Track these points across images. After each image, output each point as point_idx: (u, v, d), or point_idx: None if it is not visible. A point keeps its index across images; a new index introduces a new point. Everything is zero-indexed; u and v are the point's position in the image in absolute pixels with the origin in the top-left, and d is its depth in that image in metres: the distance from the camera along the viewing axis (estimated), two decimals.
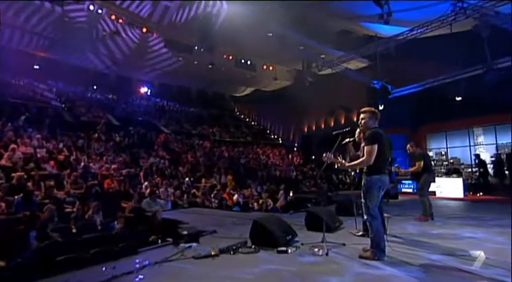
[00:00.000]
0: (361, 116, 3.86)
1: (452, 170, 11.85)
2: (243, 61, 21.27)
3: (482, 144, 13.06)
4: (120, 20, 14.98)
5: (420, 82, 13.74)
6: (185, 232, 4.62)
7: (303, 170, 17.60)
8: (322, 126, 23.21)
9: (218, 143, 18.50)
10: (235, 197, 9.51)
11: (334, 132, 5.88)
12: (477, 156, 11.95)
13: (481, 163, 11.36)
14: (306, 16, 13.92)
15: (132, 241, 4.56)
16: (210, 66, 19.14)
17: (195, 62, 19.66)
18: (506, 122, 12.06)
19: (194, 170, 12.64)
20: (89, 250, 3.82)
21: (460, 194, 10.46)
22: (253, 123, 28.23)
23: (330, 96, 19.63)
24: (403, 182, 11.88)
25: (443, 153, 14.04)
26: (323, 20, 15.19)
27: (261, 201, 9.45)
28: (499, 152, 12.24)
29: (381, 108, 15.11)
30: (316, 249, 3.78)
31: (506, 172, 11.14)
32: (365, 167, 3.53)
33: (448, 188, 10.77)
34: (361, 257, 3.55)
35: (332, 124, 22.26)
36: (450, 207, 8.33)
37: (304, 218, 5.41)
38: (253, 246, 4.18)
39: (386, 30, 13.87)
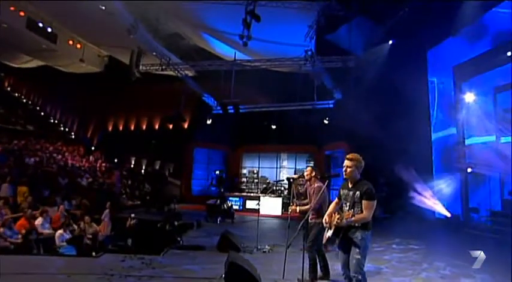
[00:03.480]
0: (347, 163, 3.43)
1: (269, 190, 13.36)
2: (41, 25, 15.60)
3: (286, 167, 15.71)
4: None
5: (247, 105, 14.81)
6: None
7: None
8: (132, 127, 20.60)
9: None
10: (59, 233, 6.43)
11: (287, 177, 5.10)
12: (288, 179, 14.16)
13: (290, 184, 13.51)
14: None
15: None
16: None
17: None
18: (304, 151, 15.38)
19: None
20: None
21: (278, 211, 11.79)
22: (37, 107, 21.30)
23: (150, 98, 17.92)
24: (230, 199, 12.13)
25: (255, 171, 15.82)
26: (167, 16, 13.61)
27: (81, 226, 6.88)
28: (296, 174, 15.04)
29: (208, 122, 15.26)
30: None
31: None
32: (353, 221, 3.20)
33: (268, 206, 11.91)
34: None
35: (144, 127, 20.21)
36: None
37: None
38: None
39: (225, 51, 14.16)
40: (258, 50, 13.38)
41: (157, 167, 19.03)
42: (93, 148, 20.33)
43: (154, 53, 15.48)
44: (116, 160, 18.74)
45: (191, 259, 5.42)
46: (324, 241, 3.63)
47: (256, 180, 15.74)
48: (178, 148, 16.85)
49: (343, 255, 3.42)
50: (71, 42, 17.32)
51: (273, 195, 12.96)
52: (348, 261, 3.39)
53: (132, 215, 8.06)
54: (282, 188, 14.70)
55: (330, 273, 4.65)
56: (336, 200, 3.66)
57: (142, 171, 18.08)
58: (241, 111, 14.81)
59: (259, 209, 9.89)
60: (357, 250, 3.21)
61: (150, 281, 4.18)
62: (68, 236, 7.23)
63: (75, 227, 7.55)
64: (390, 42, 10.57)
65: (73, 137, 20.61)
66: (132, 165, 18.72)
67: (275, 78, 14.47)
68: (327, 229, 3.60)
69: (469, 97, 9.47)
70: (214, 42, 14.32)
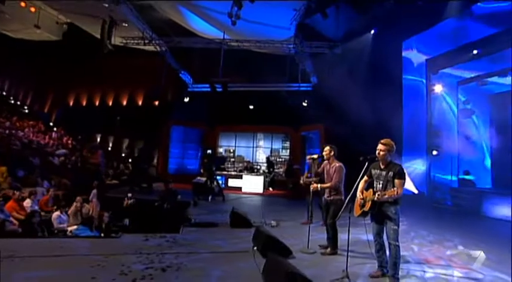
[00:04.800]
0: (381, 147, 3.98)
1: (249, 168, 13.78)
2: None
3: (262, 147, 16.18)
4: None
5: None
6: None
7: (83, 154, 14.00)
8: (97, 103, 19.38)
9: None
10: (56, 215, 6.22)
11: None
12: (267, 158, 14.69)
13: (270, 164, 14.07)
14: None
15: None
16: None
17: None
18: (280, 132, 15.94)
19: None
20: None
21: (260, 189, 12.32)
22: None
23: (118, 73, 16.95)
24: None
25: (231, 150, 16.07)
26: None
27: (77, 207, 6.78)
28: (272, 154, 15.63)
29: (186, 100, 15.04)
30: None
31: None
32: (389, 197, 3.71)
33: (250, 185, 12.38)
34: None
35: (110, 103, 19.13)
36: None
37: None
38: None
39: (204, 28, 13.83)
40: (240, 30, 13.30)
41: (125, 145, 18.37)
42: (51, 124, 18.80)
43: (125, 25, 14.57)
44: (79, 137, 17.66)
45: (211, 235, 5.71)
46: (356, 214, 4.17)
47: (232, 160, 16.03)
48: (150, 126, 16.38)
49: (376, 226, 4.02)
50: (23, 4, 15.45)
51: (253, 173, 13.42)
52: (380, 231, 4.00)
53: (129, 195, 7.97)
54: (260, 167, 15.29)
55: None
56: (366, 178, 4.19)
57: (124, 150, 17.41)
58: (219, 90, 14.78)
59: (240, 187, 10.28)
60: (393, 222, 3.81)
61: (188, 257, 4.41)
62: (64, 217, 7.01)
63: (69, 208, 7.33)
64: (372, 31, 11.26)
65: (27, 111, 18.79)
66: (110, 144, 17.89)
67: (254, 58, 14.60)
68: (360, 204, 4.13)
69: (438, 88, 10.65)
70: (193, 18, 13.86)
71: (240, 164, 15.51)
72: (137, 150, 17.27)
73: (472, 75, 10.20)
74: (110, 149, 17.92)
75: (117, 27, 13.92)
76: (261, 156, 16.22)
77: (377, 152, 4.02)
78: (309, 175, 7.13)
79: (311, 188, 5.26)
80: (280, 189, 13.19)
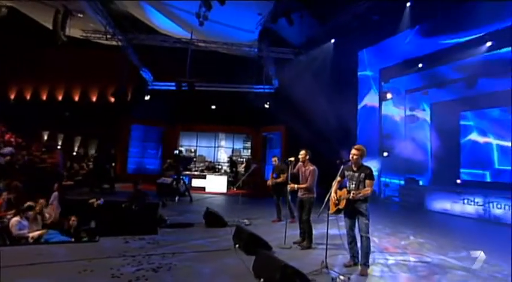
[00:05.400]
0: (354, 152, 4.55)
1: (211, 168, 13.90)
2: None
3: (223, 147, 16.36)
4: None
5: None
6: None
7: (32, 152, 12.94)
8: (44, 97, 17.87)
9: None
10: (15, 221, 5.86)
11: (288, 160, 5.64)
12: (230, 158, 14.89)
13: (233, 164, 14.32)
14: None
15: None
16: None
17: None
18: (241, 132, 16.27)
19: None
20: None
21: (224, 189, 12.55)
22: None
23: (71, 66, 15.92)
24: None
25: (192, 150, 15.98)
26: None
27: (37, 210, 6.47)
28: (233, 154, 15.90)
29: (147, 98, 14.68)
30: (341, 277, 3.87)
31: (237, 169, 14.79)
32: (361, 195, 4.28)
33: (214, 185, 12.56)
34: (363, 274, 4.14)
35: (60, 98, 17.79)
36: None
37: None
38: None
39: (166, 26, 13.64)
40: (205, 30, 13.35)
41: (77, 144, 17.25)
42: None
43: (80, 15, 13.77)
44: (23, 134, 16.14)
45: (189, 235, 5.84)
46: (331, 211, 4.66)
47: (194, 159, 15.96)
48: (105, 123, 15.63)
49: (349, 221, 4.54)
50: None
51: (216, 173, 13.56)
52: (352, 225, 4.53)
53: (98, 199, 7.67)
54: (222, 167, 15.45)
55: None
56: (338, 178, 4.71)
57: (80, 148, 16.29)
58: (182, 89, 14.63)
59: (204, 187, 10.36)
60: (365, 217, 4.35)
61: (175, 257, 4.54)
62: (25, 222, 6.56)
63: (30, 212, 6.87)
64: (332, 41, 12.10)
65: None
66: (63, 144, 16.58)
67: (218, 59, 14.74)
68: (334, 202, 4.63)
69: (388, 95, 11.83)
70: (156, 15, 13.56)
71: (202, 164, 15.53)
72: (95, 149, 16.35)
73: (417, 86, 11.56)
74: (59, 147, 16.67)
75: (72, 17, 13.16)
76: (223, 156, 16.40)
77: (351, 156, 4.55)
78: (274, 175, 7.59)
79: (288, 188, 5.70)
80: (244, 189, 13.53)
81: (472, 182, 10.65)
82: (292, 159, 5.79)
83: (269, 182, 7.37)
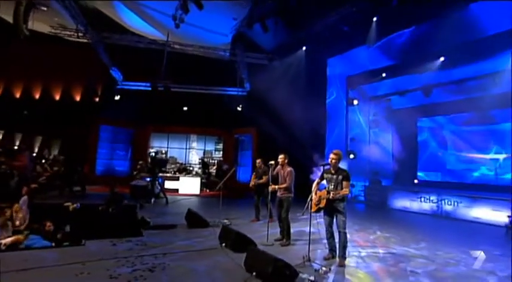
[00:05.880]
0: (333, 156, 5.09)
1: (183, 170, 13.97)
2: None
3: (195, 148, 16.44)
4: None
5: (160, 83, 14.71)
6: None
7: None
8: None
9: None
10: None
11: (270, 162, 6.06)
12: (202, 160, 15.03)
13: (205, 165, 14.48)
14: None
15: None
16: None
17: None
18: (213, 134, 16.47)
19: None
20: None
21: (197, 191, 12.73)
22: None
23: (32, 62, 15.12)
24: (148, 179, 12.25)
25: (163, 152, 15.86)
26: None
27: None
28: (205, 155, 16.07)
29: (117, 98, 14.42)
30: (323, 269, 4.35)
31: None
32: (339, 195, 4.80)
33: (187, 186, 12.69)
34: (341, 265, 4.69)
35: (18, 95, 16.78)
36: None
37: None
38: None
39: (138, 25, 13.54)
40: (178, 32, 13.40)
41: (38, 144, 16.36)
42: None
43: (44, 9, 13.21)
44: None
45: (174, 236, 6.03)
46: (312, 210, 5.15)
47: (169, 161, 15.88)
48: (70, 123, 15.03)
49: (328, 218, 5.05)
50: None
51: (189, 175, 13.65)
52: (331, 222, 5.05)
53: (74, 202, 7.53)
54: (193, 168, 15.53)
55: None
56: (318, 180, 5.22)
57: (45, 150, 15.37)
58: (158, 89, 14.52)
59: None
60: (342, 215, 4.88)
61: (166, 258, 4.75)
62: None
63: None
64: (304, 48, 12.76)
65: None
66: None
67: (192, 61, 14.83)
68: (315, 202, 5.12)
69: (355, 101, 12.75)
70: (127, 14, 13.36)
71: (173, 166, 15.48)
72: (57, 150, 15.60)
73: (381, 93, 12.60)
74: (16, 147, 15.67)
75: (35, 11, 12.56)
76: (194, 157, 16.48)
77: (329, 160, 5.07)
78: (258, 177, 8.00)
79: (270, 189, 6.14)
80: (216, 191, 13.77)
81: (427, 182, 11.90)
82: (272, 162, 6.25)
83: (252, 183, 7.77)
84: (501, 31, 8.31)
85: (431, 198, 10.05)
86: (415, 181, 12.07)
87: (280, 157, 6.29)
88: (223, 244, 5.41)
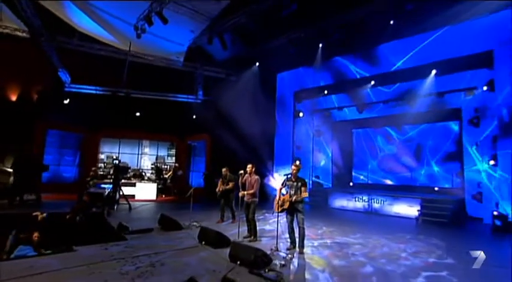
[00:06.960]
0: (294, 168, 6.51)
1: (138, 176, 14.31)
2: None
3: (147, 154, 16.71)
4: None
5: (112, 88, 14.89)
6: None
7: None
8: None
9: None
10: None
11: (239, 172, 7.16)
12: (156, 165, 15.42)
13: (158, 171, 14.95)
14: None
15: None
16: None
17: None
18: (166, 140, 16.92)
19: None
20: None
21: (153, 196, 13.28)
22: None
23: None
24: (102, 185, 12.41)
25: (114, 157, 15.85)
26: None
27: None
28: (157, 161, 16.49)
29: (66, 102, 14.17)
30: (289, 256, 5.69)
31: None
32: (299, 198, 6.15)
33: (144, 192, 13.18)
34: (301, 253, 6.13)
35: None
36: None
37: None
38: None
39: (92, 28, 13.62)
40: (134, 38, 13.74)
41: None
42: None
43: None
44: None
45: (155, 238, 6.82)
46: (277, 210, 6.46)
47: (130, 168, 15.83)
48: (8, 126, 14.15)
49: (290, 217, 6.42)
50: None
51: (145, 181, 14.02)
52: (292, 220, 6.42)
53: (42, 212, 7.70)
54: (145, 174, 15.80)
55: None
56: (281, 187, 6.57)
57: None
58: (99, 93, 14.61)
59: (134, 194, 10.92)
60: (302, 213, 6.28)
61: (160, 256, 5.59)
62: None
63: None
64: (257, 64, 14.16)
65: None
66: None
67: (147, 68, 15.19)
68: (280, 204, 6.44)
69: (300, 114, 14.58)
70: (81, 17, 13.22)
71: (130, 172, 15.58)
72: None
73: (323, 107, 14.65)
74: None
75: None
76: (146, 163, 16.73)
77: (291, 170, 6.44)
78: (225, 183, 9.08)
79: (240, 195, 7.30)
80: (172, 195, 14.41)
81: (360, 184, 14.24)
82: (241, 172, 7.41)
83: (218, 189, 8.81)
84: (406, 68, 11.17)
85: (363, 198, 12.21)
86: (351, 184, 14.33)
87: (248, 167, 7.49)
88: (203, 242, 6.43)
